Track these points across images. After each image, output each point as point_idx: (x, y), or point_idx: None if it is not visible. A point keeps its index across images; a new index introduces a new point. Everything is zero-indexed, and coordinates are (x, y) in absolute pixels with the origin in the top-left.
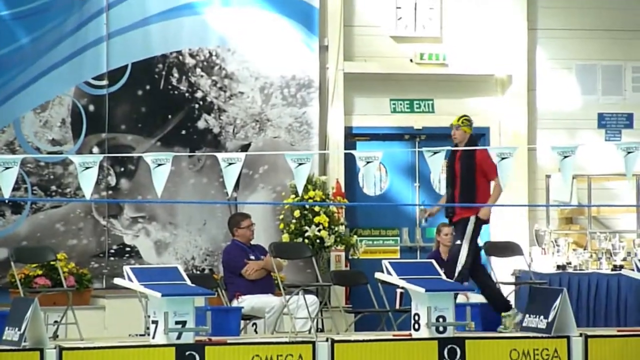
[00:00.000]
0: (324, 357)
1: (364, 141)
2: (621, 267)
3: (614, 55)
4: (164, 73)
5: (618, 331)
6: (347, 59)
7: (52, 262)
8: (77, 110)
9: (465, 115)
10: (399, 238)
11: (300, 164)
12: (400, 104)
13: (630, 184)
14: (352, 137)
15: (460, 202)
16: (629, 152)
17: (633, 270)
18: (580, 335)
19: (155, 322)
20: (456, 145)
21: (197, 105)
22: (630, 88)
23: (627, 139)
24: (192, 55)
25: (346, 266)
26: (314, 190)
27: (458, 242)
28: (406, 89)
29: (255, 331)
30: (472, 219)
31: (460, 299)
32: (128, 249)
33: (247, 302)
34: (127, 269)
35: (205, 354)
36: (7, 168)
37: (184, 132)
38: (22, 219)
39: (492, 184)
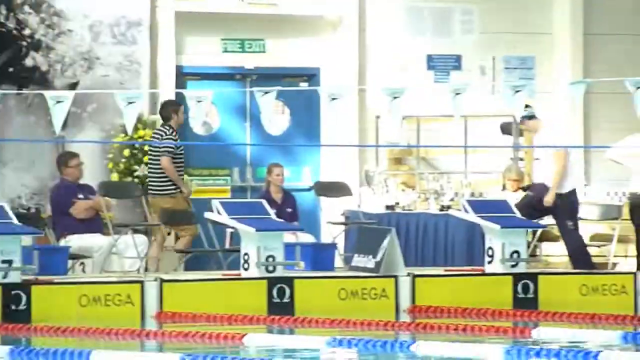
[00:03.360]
0: (152, 297)
1: (195, 81)
2: (449, 207)
3: None
4: None
5: (445, 271)
6: None
7: None
8: None
9: None
10: (229, 178)
11: (129, 103)
12: (232, 44)
13: (458, 125)
14: (183, 77)
15: None
16: (457, 94)
17: (460, 210)
18: (408, 274)
19: None
20: None
21: (25, 43)
22: (459, 30)
23: (456, 80)
24: None
25: None
26: (143, 129)
27: None
28: (237, 28)
29: (83, 271)
30: None
31: (290, 238)
32: None
33: (75, 241)
34: None
35: (32, 293)
36: None
37: (11, 69)
38: None
39: None
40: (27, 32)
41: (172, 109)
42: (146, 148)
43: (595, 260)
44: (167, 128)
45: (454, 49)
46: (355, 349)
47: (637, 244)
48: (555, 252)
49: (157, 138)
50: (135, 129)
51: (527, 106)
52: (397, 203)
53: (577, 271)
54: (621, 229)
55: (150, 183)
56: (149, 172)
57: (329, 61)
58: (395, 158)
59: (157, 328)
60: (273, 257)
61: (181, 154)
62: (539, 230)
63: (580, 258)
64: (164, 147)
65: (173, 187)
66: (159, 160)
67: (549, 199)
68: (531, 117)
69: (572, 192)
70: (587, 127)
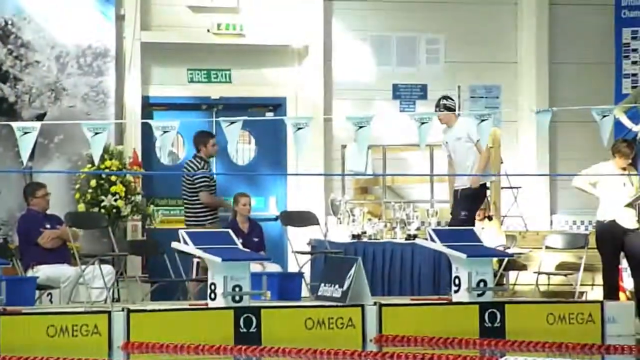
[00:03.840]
0: (119, 327)
1: (161, 111)
2: (415, 236)
3: (408, 26)
4: None
5: (412, 300)
6: (144, 29)
7: None
8: None
9: None
10: None
11: (96, 134)
12: (198, 74)
13: (424, 154)
14: (149, 107)
15: None
16: (422, 123)
17: (427, 239)
18: (375, 304)
19: None
20: None
21: None
22: (424, 59)
23: (421, 109)
24: None
25: (143, 236)
26: (110, 159)
27: None
28: (203, 59)
29: (51, 301)
30: None
31: (257, 268)
32: None
33: (43, 271)
34: None
35: (0, 324)
36: None
37: None
38: None
39: None
40: None
41: (201, 140)
42: (113, 178)
43: (561, 289)
44: (198, 161)
45: (419, 78)
46: None
47: (604, 272)
48: (522, 281)
49: (190, 170)
50: (102, 159)
51: (448, 97)
52: (364, 232)
53: (544, 300)
54: (588, 257)
55: (187, 214)
56: (185, 204)
57: (294, 91)
58: (361, 187)
59: (124, 358)
60: (240, 286)
61: (214, 183)
62: (505, 259)
63: None
64: (199, 183)
65: (211, 215)
66: (194, 192)
67: (473, 182)
68: (451, 109)
69: (482, 186)
70: (553, 155)
